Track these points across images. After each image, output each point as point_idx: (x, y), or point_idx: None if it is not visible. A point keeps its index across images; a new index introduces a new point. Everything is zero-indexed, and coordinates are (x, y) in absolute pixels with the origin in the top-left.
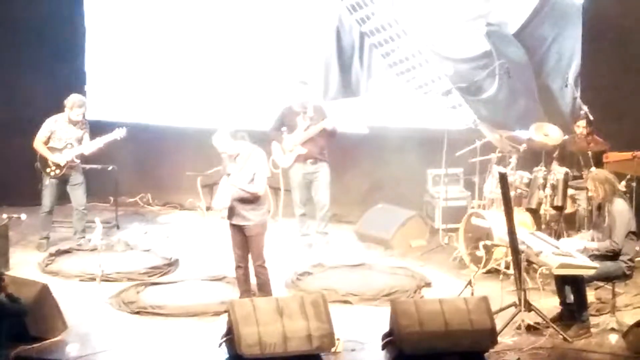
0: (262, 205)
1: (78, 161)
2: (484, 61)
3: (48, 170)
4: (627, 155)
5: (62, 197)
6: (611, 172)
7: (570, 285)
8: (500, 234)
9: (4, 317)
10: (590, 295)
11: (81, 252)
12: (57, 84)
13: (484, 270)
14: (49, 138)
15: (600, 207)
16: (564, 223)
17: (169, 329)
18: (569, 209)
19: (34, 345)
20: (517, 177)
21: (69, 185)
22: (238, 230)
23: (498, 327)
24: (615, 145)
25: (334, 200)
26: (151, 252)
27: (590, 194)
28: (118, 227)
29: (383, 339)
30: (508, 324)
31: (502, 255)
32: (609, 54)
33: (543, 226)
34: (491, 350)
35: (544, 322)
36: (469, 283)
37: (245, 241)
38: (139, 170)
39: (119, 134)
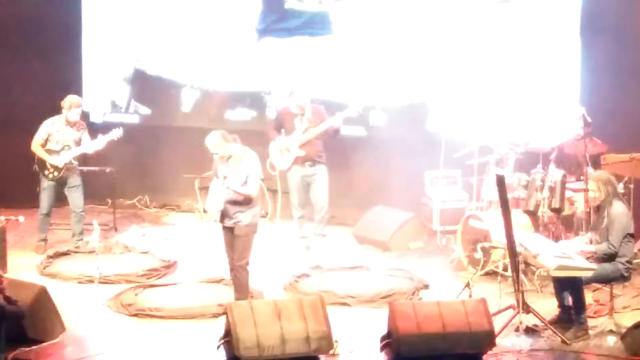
0: (254, 208)
1: (76, 163)
2: None
3: (46, 172)
4: (625, 157)
5: (60, 200)
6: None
7: (568, 287)
8: (498, 236)
9: (1, 320)
10: (588, 297)
11: (79, 255)
12: (54, 85)
13: (482, 272)
14: (46, 140)
15: (599, 209)
16: (562, 225)
17: (167, 331)
18: (566, 211)
19: (32, 347)
20: (515, 179)
21: (67, 187)
22: (229, 232)
23: (496, 329)
24: (613, 147)
25: (332, 202)
26: (149, 254)
27: (591, 194)
28: (116, 230)
29: (381, 341)
30: (506, 326)
31: (500, 257)
32: (607, 56)
33: (541, 228)
34: (489, 352)
35: (542, 324)
36: (467, 285)
37: (234, 242)
38: (136, 172)
39: (116, 134)
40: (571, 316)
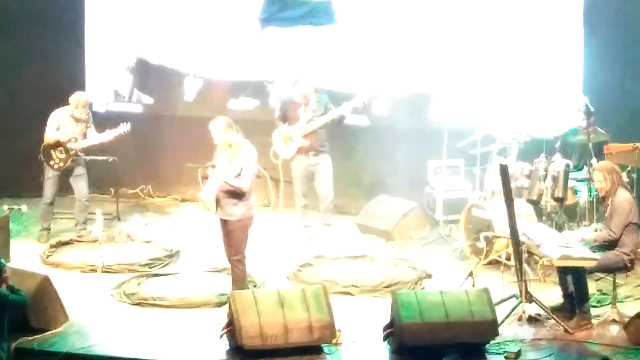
0: (246, 201)
1: (82, 154)
2: None
3: (52, 162)
4: (628, 146)
5: (63, 189)
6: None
7: (572, 277)
8: (501, 226)
9: (5, 309)
10: (591, 286)
11: (82, 244)
12: (57, 75)
13: (485, 261)
14: (57, 130)
15: (604, 199)
16: (565, 214)
17: (170, 320)
18: (569, 201)
19: (35, 336)
20: (518, 169)
21: (72, 176)
22: (224, 224)
23: (499, 319)
24: (616, 137)
25: (335, 191)
26: (152, 244)
27: (597, 185)
28: (119, 219)
29: (384, 330)
30: (509, 315)
31: (503, 247)
32: (610, 45)
33: (544, 218)
34: (492, 342)
35: (545, 313)
36: (470, 274)
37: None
38: (139, 161)
39: (123, 128)
40: (574, 305)
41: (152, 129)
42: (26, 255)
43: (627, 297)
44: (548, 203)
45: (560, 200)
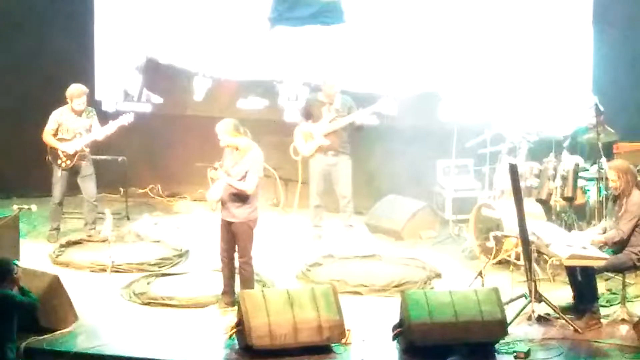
0: (251, 204)
1: (87, 150)
2: None
3: (59, 162)
4: (638, 145)
5: (72, 188)
6: None
7: (581, 276)
8: (511, 225)
9: (14, 311)
10: (601, 286)
11: (92, 243)
12: (65, 75)
13: (494, 261)
14: (57, 130)
15: (617, 198)
16: (574, 214)
17: (179, 320)
18: (579, 200)
19: (45, 336)
20: (527, 168)
21: (80, 176)
22: (226, 225)
23: (508, 318)
24: (626, 136)
25: None
26: (161, 243)
27: (611, 184)
28: (128, 218)
29: (393, 330)
30: (518, 314)
31: (512, 246)
32: (619, 44)
33: (553, 217)
34: (502, 341)
35: (555, 313)
36: (479, 274)
37: (231, 237)
38: (148, 161)
39: (126, 119)
40: (584, 305)
41: (161, 129)
42: (36, 255)
43: (637, 296)
44: (557, 202)
45: (569, 200)
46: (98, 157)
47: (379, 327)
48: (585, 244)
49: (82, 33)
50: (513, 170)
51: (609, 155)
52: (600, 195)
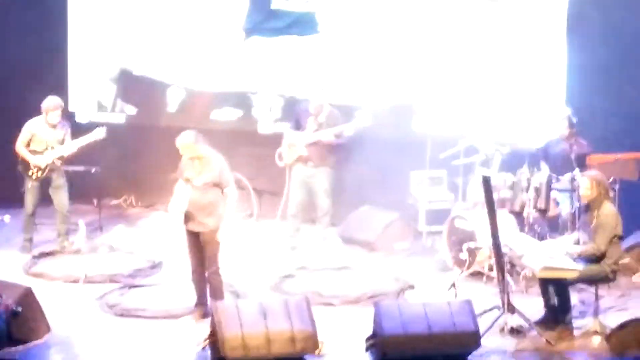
0: (220, 212)
1: (59, 163)
2: None
3: (30, 173)
4: (610, 158)
5: (45, 199)
6: None
7: (554, 288)
8: (484, 237)
9: None
10: (574, 297)
11: (65, 255)
12: (39, 86)
13: (468, 272)
14: (29, 141)
15: (587, 208)
16: (547, 225)
17: (152, 331)
18: (551, 212)
19: (17, 347)
20: (501, 180)
21: (51, 187)
22: (193, 236)
23: (481, 330)
24: (598, 148)
25: None
26: (135, 255)
27: (582, 191)
28: (101, 230)
29: (366, 341)
30: (491, 326)
31: (485, 258)
32: (593, 56)
33: (526, 229)
34: (474, 353)
35: (527, 324)
36: (453, 285)
37: (199, 248)
38: (122, 172)
39: (98, 134)
40: (556, 317)
41: (135, 140)
42: (9, 266)
43: (610, 308)
44: (530, 214)
45: (542, 212)
46: (71, 168)
47: (352, 339)
48: (558, 255)
49: (56, 44)
50: (486, 182)
51: (582, 167)
52: (573, 207)
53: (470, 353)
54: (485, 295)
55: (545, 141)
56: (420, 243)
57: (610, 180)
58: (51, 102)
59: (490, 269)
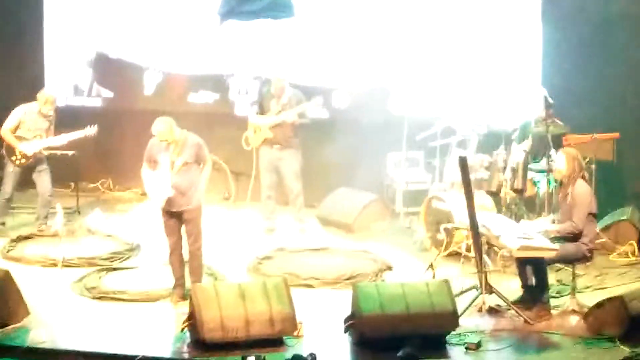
0: (199, 189)
1: (46, 153)
2: None
3: (13, 158)
4: (586, 137)
5: (22, 183)
6: None
7: (531, 267)
8: (461, 217)
9: None
10: (551, 277)
11: (43, 238)
12: (15, 70)
13: (445, 253)
14: (16, 127)
15: (562, 187)
16: (524, 206)
17: (131, 314)
18: (529, 192)
19: None
20: (477, 161)
21: (35, 171)
22: (174, 216)
23: (459, 310)
24: (575, 128)
25: None
26: (112, 238)
27: (557, 165)
28: (79, 213)
29: (345, 322)
30: (469, 306)
31: (462, 238)
32: (568, 37)
33: (503, 209)
34: (453, 333)
35: (505, 304)
36: (430, 266)
37: (179, 227)
38: (99, 155)
39: (89, 131)
40: (534, 296)
41: (112, 123)
42: None
43: (587, 287)
44: (507, 194)
45: (519, 192)
46: (48, 152)
47: (330, 320)
48: (535, 235)
49: (32, 28)
50: (463, 163)
51: (559, 148)
52: (550, 187)
53: (448, 333)
54: (463, 276)
55: (521, 122)
56: (397, 224)
57: (587, 160)
58: (48, 97)
59: (468, 249)
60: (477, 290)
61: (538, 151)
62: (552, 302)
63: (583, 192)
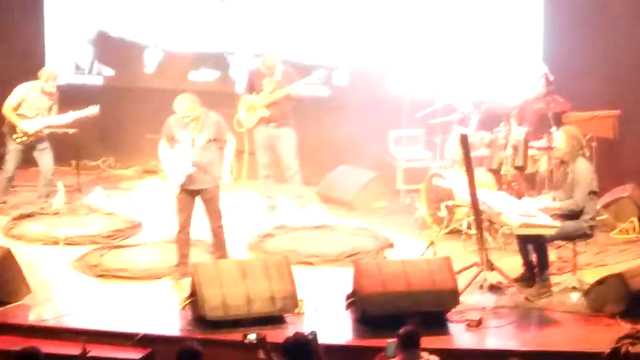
0: (218, 166)
1: (47, 132)
2: None
3: (15, 136)
4: (587, 115)
5: (24, 161)
6: None
7: (532, 245)
8: (462, 195)
9: None
10: (552, 254)
11: (44, 216)
12: (16, 48)
13: (446, 230)
14: (19, 105)
15: (561, 165)
16: (525, 183)
17: (132, 292)
18: (530, 169)
19: None
20: (478, 138)
21: (36, 150)
22: (191, 194)
23: (460, 287)
24: (576, 106)
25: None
26: (114, 216)
27: (556, 144)
28: (80, 191)
29: (346, 299)
30: (470, 283)
31: (463, 216)
32: (570, 14)
33: (504, 186)
34: (453, 310)
35: (506, 281)
36: (431, 243)
37: (192, 204)
38: (100, 134)
39: (91, 111)
40: (535, 273)
41: (113, 101)
42: None
43: (588, 264)
44: (508, 172)
45: (520, 169)
46: (49, 130)
47: (331, 298)
48: (536, 212)
49: (32, 6)
50: (464, 140)
51: (560, 125)
52: (550, 165)
53: (449, 310)
54: (463, 253)
55: (522, 99)
56: (398, 202)
57: (588, 137)
58: (50, 73)
59: (469, 227)
60: (478, 267)
61: (539, 129)
62: (553, 279)
63: (584, 170)
